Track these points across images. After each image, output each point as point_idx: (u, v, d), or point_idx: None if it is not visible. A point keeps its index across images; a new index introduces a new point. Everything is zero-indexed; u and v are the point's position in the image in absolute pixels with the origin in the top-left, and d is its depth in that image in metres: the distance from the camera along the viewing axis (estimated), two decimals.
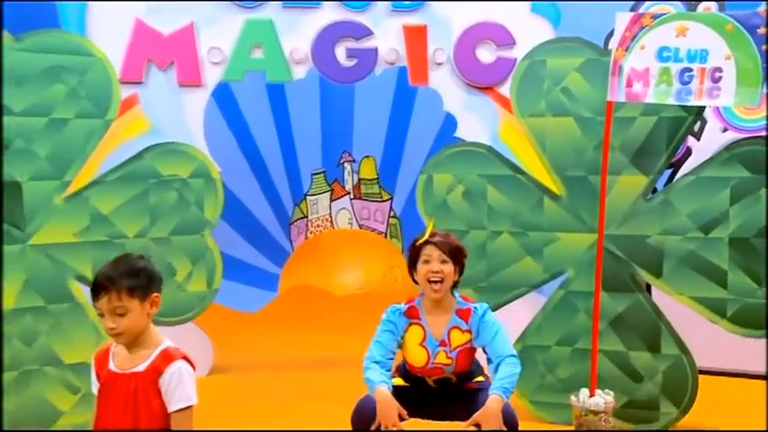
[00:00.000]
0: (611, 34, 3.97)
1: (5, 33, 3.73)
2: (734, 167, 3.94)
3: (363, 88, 6.20)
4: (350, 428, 3.17)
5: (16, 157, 3.71)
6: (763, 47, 3.51)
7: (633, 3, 4.87)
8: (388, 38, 5.02)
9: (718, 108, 4.97)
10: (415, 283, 3.28)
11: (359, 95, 6.77)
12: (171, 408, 2.37)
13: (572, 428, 3.93)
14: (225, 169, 4.58)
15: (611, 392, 3.93)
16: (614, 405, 3.89)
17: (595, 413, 3.83)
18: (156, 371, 2.38)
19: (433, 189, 4.32)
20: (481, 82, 4.96)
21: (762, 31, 3.51)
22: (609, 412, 3.85)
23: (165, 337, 2.47)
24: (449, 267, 3.18)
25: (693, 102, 3.69)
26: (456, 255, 3.21)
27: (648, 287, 4.26)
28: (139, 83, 4.80)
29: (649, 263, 4.07)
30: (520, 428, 3.10)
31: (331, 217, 7.29)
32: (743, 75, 3.55)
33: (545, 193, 4.23)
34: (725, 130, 5.06)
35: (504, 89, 4.73)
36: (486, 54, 4.94)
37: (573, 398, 3.91)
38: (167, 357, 2.40)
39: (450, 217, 4.29)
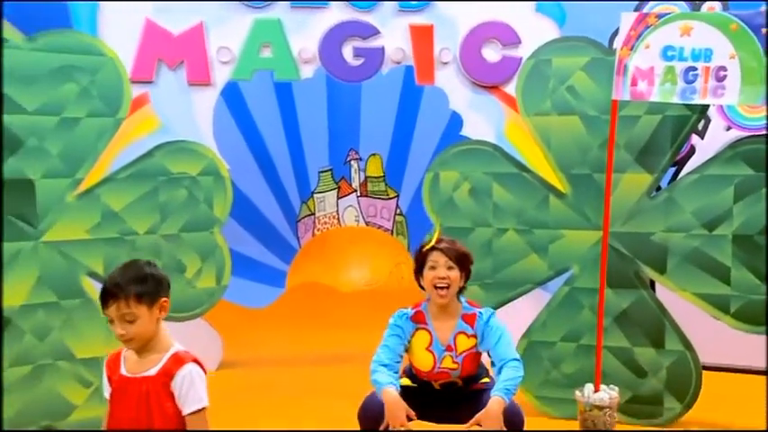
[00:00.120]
0: (615, 33, 4.00)
1: (19, 33, 3.78)
2: (737, 165, 3.97)
3: (370, 87, 6.22)
4: (356, 423, 3.21)
5: (29, 156, 3.76)
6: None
7: (638, 3, 4.89)
8: (394, 37, 5.05)
9: (721, 107, 4.98)
10: (422, 288, 3.30)
11: (366, 94, 6.80)
12: (185, 410, 2.41)
13: (577, 423, 3.96)
14: (233, 167, 4.62)
15: (616, 388, 3.97)
16: (619, 400, 3.93)
17: (600, 408, 3.86)
18: (167, 374, 2.41)
19: (439, 187, 4.36)
20: (487, 81, 4.98)
21: (765, 31, 3.53)
22: (613, 407, 3.89)
23: (175, 341, 2.50)
24: (455, 273, 3.20)
25: (698, 100, 3.71)
26: (462, 261, 3.22)
27: (652, 284, 4.29)
28: (150, 82, 4.84)
29: (654, 260, 4.11)
30: (524, 422, 3.14)
31: (338, 214, 7.33)
32: (747, 73, 3.57)
33: (550, 190, 4.26)
34: (728, 128, 5.08)
35: (510, 88, 4.76)
36: (491, 53, 4.97)
37: (578, 393, 3.95)
38: (178, 361, 2.43)
39: (457, 214, 4.33)
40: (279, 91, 6.72)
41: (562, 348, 4.24)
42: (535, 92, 4.26)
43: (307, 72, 5.09)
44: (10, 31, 3.76)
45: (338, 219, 7.34)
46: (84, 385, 3.90)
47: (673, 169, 4.80)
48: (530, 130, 4.31)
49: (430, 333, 3.26)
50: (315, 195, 7.27)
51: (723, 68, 3.61)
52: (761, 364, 4.55)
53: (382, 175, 7.26)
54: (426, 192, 4.39)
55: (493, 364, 3.21)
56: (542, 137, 4.27)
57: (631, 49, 3.76)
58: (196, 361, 2.46)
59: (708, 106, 4.19)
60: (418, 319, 3.28)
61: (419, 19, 5.06)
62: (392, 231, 7.30)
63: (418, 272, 3.28)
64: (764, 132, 4.44)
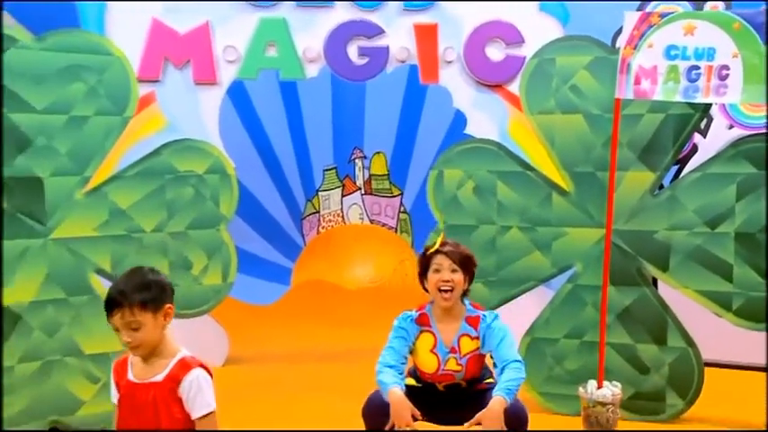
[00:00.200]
0: (618, 32, 4.02)
1: (27, 33, 3.82)
2: (740, 164, 3.99)
3: (375, 86, 6.26)
4: (360, 420, 3.22)
5: (38, 154, 3.80)
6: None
7: (641, 2, 4.90)
8: (399, 36, 5.07)
9: (724, 105, 4.99)
10: (426, 291, 3.31)
11: (370, 93, 6.83)
12: (194, 415, 2.44)
13: (580, 419, 3.99)
14: (239, 165, 4.65)
15: (619, 384, 3.99)
16: (621, 397, 3.95)
17: (603, 404, 3.88)
18: (174, 380, 2.43)
19: (443, 185, 4.39)
20: (491, 80, 5.00)
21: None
22: (616, 404, 3.91)
23: (182, 347, 2.52)
24: (459, 276, 3.21)
25: (700, 99, 3.72)
26: (466, 264, 3.23)
27: (655, 281, 4.30)
28: (156, 81, 4.87)
29: (656, 257, 4.13)
30: (528, 419, 3.14)
31: (342, 212, 7.36)
32: (750, 72, 3.58)
33: (554, 188, 4.29)
34: (731, 127, 5.09)
35: (514, 87, 4.77)
36: (495, 52, 4.99)
37: (581, 389, 3.97)
38: (185, 366, 2.45)
39: (461, 212, 4.36)
40: (284, 90, 6.76)
41: (565, 345, 4.27)
42: (539, 90, 4.28)
43: (312, 71, 5.12)
44: (19, 31, 3.80)
45: (343, 216, 7.37)
46: (92, 381, 3.94)
47: (675, 167, 4.81)
48: (533, 129, 4.34)
49: (434, 335, 3.28)
50: (319, 193, 7.31)
51: (726, 67, 3.62)
52: (762, 361, 4.57)
53: (386, 173, 7.29)
54: (430, 190, 4.42)
55: (495, 365, 3.22)
56: (546, 135, 4.29)
57: (634, 48, 3.78)
58: (202, 366, 2.48)
59: (710, 105, 4.20)
60: (422, 322, 3.30)
61: (423, 18, 5.08)
62: (396, 229, 7.33)
63: (422, 275, 3.29)
64: (766, 131, 4.45)
